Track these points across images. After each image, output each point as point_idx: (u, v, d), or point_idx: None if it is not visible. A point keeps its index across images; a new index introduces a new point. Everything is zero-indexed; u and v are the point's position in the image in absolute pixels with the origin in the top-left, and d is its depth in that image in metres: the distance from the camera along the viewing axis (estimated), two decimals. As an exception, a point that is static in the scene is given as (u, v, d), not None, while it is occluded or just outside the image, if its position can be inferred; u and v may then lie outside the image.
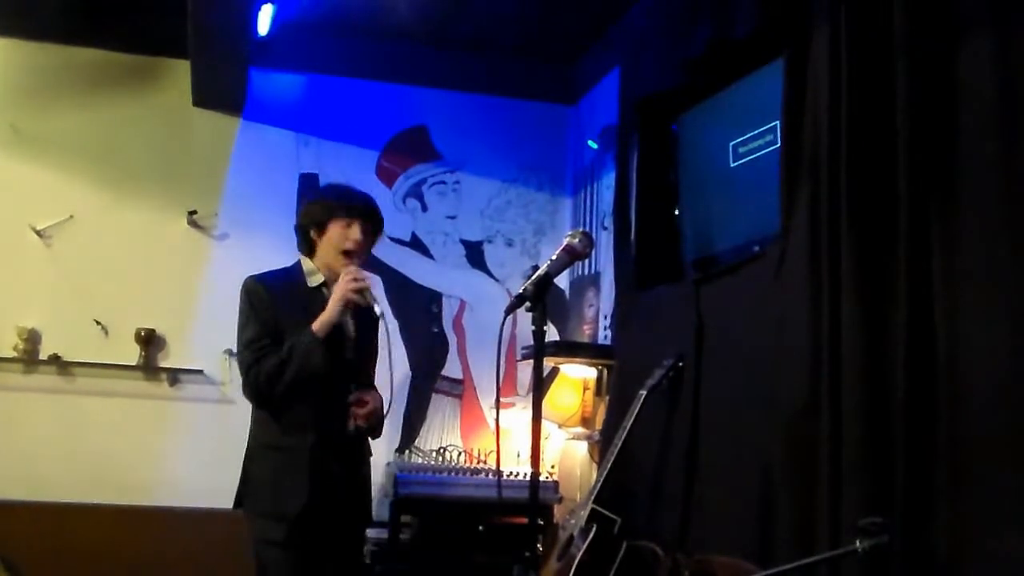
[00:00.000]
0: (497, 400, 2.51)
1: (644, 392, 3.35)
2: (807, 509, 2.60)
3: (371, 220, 2.96)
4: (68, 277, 4.62)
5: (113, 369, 4.60)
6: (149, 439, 4.64)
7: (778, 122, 3.13)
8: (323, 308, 2.83)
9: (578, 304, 4.99)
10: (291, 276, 2.96)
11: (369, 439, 3.03)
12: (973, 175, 2.26)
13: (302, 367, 2.77)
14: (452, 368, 5.04)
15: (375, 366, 3.07)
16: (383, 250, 4.96)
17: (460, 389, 5.03)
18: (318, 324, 2.79)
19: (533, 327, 2.20)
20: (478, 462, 4.48)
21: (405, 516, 4.29)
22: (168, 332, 4.72)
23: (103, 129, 4.76)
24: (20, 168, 4.67)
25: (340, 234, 2.90)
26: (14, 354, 4.53)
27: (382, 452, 4.79)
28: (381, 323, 2.92)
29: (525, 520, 4.03)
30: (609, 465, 3.30)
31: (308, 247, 2.97)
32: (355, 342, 2.94)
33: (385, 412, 2.97)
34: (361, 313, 2.94)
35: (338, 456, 2.86)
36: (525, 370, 4.93)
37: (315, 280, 2.95)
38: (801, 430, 2.65)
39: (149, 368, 4.66)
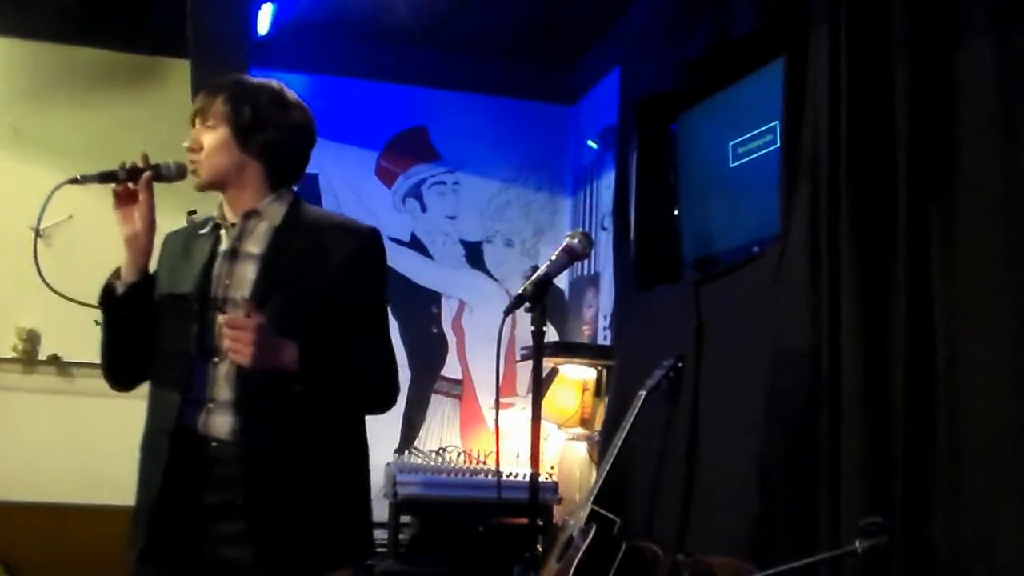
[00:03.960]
0: (496, 401, 2.50)
1: (644, 392, 3.35)
2: (807, 509, 2.60)
3: (199, 112, 2.13)
4: (68, 277, 4.60)
5: (113, 369, 4.59)
6: (149, 439, 4.63)
7: (777, 122, 3.13)
8: (205, 258, 2.04)
9: (577, 305, 4.99)
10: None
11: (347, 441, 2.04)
12: (973, 175, 2.26)
13: (103, 330, 2.11)
14: (451, 368, 5.04)
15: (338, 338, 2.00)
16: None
17: (459, 389, 5.03)
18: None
19: (532, 328, 2.20)
20: (478, 463, 4.48)
21: (405, 516, 4.29)
22: (168, 332, 4.71)
23: (103, 129, 4.75)
24: (20, 168, 4.67)
25: None
26: (13, 354, 4.52)
27: (382, 452, 4.80)
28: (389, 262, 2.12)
29: (525, 521, 4.04)
30: (608, 466, 3.29)
31: None
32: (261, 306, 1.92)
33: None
34: (297, 249, 2.02)
35: (206, 472, 1.95)
36: (524, 371, 4.92)
37: (210, 224, 2.13)
38: (801, 430, 2.65)
39: (149, 368, 4.66)
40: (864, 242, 2.51)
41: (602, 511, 3.16)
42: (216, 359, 1.98)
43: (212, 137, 2.08)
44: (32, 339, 4.57)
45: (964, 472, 2.19)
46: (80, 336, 4.61)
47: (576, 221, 5.12)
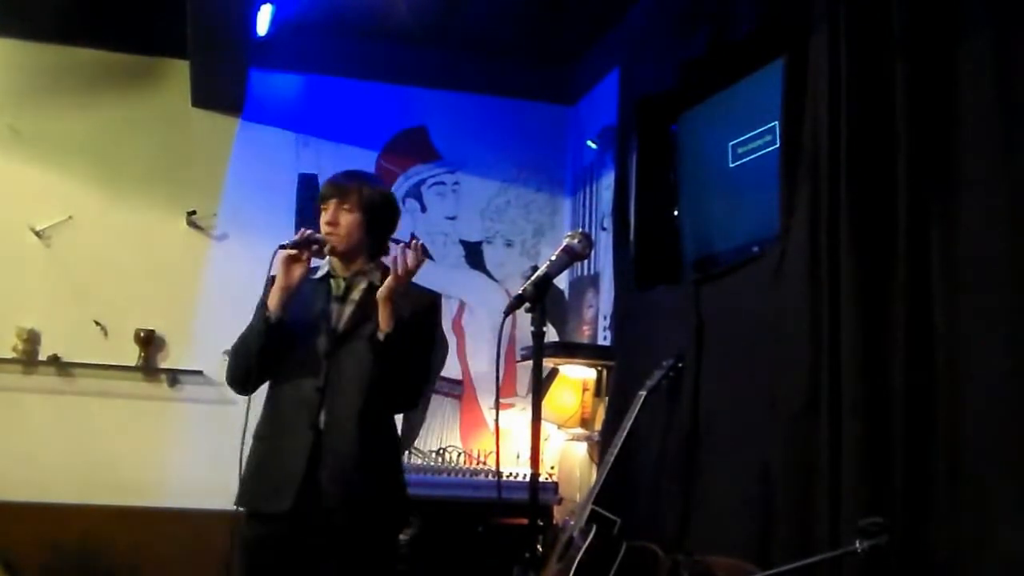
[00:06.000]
0: (497, 401, 2.51)
1: (644, 393, 3.35)
2: (807, 509, 2.60)
3: (338, 196, 2.72)
4: (67, 278, 4.62)
5: (112, 370, 4.59)
6: (149, 440, 4.64)
7: (777, 122, 3.13)
8: (324, 300, 2.73)
9: (577, 305, 4.98)
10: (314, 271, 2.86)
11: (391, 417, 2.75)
12: (972, 175, 2.26)
13: (241, 345, 2.70)
14: (451, 369, 5.03)
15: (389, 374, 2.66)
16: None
17: (459, 390, 5.03)
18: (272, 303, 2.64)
19: (532, 328, 2.20)
20: (478, 463, 4.48)
21: (405, 517, 4.29)
22: (168, 333, 4.72)
23: (103, 129, 4.76)
24: (19, 168, 4.67)
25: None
26: (14, 355, 4.52)
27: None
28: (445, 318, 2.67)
29: (525, 521, 4.04)
30: (609, 466, 3.30)
31: None
32: (346, 335, 2.69)
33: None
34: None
35: (322, 454, 2.61)
36: (524, 371, 4.92)
37: (321, 272, 2.82)
38: (801, 430, 2.65)
39: (148, 369, 4.66)
40: (864, 242, 2.51)
41: (602, 511, 3.16)
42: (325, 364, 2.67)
43: (350, 219, 2.70)
44: (32, 339, 4.57)
45: (964, 472, 2.19)
46: (80, 336, 4.62)
47: (576, 221, 5.12)
